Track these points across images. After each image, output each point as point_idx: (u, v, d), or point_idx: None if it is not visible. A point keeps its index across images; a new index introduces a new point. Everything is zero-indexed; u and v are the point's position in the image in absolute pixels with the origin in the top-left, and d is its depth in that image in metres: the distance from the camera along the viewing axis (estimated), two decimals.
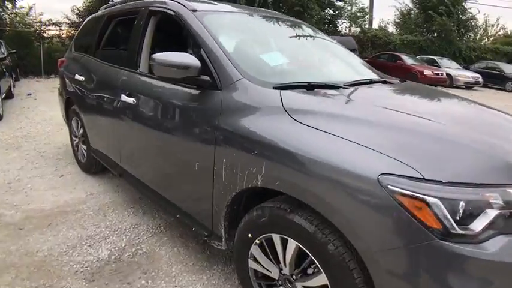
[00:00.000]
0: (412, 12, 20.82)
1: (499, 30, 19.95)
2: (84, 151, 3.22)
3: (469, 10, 18.98)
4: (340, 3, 17.60)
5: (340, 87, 1.70)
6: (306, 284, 1.34)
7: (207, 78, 1.66)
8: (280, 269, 1.42)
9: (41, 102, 6.77)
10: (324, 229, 1.22)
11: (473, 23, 19.37)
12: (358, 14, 18.14)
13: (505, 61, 17.41)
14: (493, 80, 15.27)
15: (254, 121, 1.45)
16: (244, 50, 1.95)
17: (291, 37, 2.39)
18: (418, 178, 1.04)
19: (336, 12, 16.83)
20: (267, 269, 1.48)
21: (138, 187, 2.35)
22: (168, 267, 2.01)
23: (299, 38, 2.41)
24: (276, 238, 1.39)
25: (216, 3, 2.38)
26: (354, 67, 2.33)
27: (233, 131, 1.49)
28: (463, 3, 18.61)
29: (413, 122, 1.35)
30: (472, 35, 20.50)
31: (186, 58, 1.62)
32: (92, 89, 2.76)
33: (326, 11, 17.53)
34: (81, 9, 12.45)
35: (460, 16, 18.88)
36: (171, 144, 1.89)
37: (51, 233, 2.29)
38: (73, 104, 3.29)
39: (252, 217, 1.46)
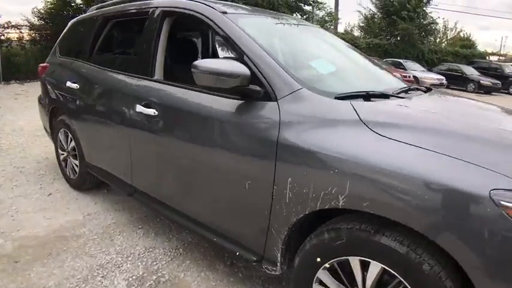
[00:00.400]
0: (376, 16, 21.64)
1: (457, 34, 21.28)
2: (75, 166, 2.89)
3: (429, 15, 20.05)
4: (308, 8, 17.87)
5: (392, 95, 1.60)
6: None
7: (257, 88, 1.49)
8: None
9: (7, 111, 6.15)
10: (416, 249, 1.12)
11: (433, 27, 20.47)
12: (327, 19, 18.50)
13: (464, 63, 18.54)
14: (455, 82, 16.16)
15: (329, 136, 1.29)
16: (291, 57, 1.79)
17: (322, 43, 2.27)
18: None
19: (305, 16, 17.06)
20: None
21: (155, 207, 2.11)
22: None
23: (328, 44, 2.28)
24: (355, 261, 1.25)
25: (234, 4, 2.20)
26: (380, 74, 2.25)
27: (302, 148, 1.32)
28: (424, 8, 19.61)
29: (494, 132, 1.28)
30: (433, 39, 21.66)
31: (235, 66, 1.44)
32: (90, 98, 2.47)
33: (295, 15, 17.73)
34: (43, 12, 11.61)
35: (421, 20, 19.89)
36: (210, 161, 1.67)
37: (55, 265, 1.99)
38: (60, 115, 2.96)
39: (323, 240, 1.31)
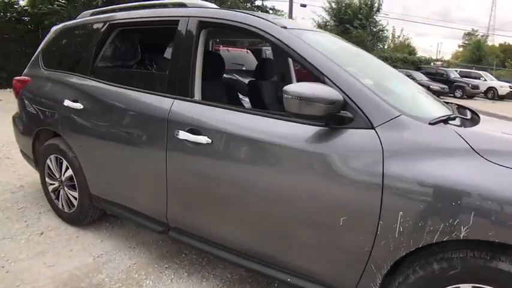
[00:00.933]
0: (328, 24, 22.55)
1: (404, 41, 22.88)
2: (72, 198, 2.47)
3: (379, 22, 21.35)
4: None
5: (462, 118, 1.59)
6: None
7: (349, 114, 1.36)
8: None
9: None
10: None
11: (383, 34, 21.83)
12: None
13: (412, 69, 19.94)
14: None
15: (443, 166, 1.21)
16: (364, 78, 1.64)
17: (367, 59, 2.16)
18: None
19: None
20: None
21: (196, 244, 1.83)
22: None
23: (372, 60, 2.18)
24: None
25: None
26: (427, 93, 2.18)
27: (415, 179, 1.21)
28: (374, 16, 20.84)
29: None
30: (381, 45, 23.07)
31: (329, 91, 1.32)
32: (101, 121, 2.10)
33: None
34: None
35: (373, 28, 21.09)
36: (286, 196, 1.47)
37: None
38: (50, 138, 2.53)
39: (433, 271, 1.25)
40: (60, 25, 2.71)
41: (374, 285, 1.38)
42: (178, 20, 1.90)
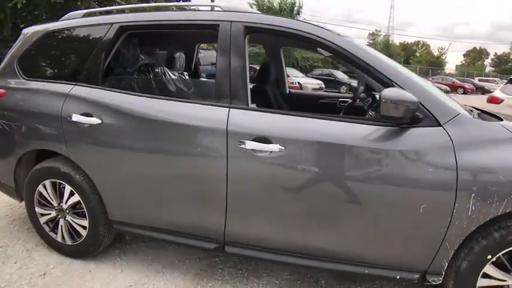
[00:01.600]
0: None
1: None
2: (79, 227, 2.15)
3: None
4: None
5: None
6: None
7: (420, 114, 1.55)
8: None
9: None
10: None
11: None
12: None
13: (331, 68, 21.65)
14: (329, 85, 18.67)
15: (501, 153, 1.51)
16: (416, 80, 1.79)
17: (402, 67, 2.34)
18: None
19: None
20: (501, 279, 1.57)
21: (257, 254, 1.81)
22: None
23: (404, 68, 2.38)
24: None
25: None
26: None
27: (483, 166, 1.49)
28: (295, 19, 22.14)
29: None
30: None
31: (410, 95, 1.48)
32: (132, 135, 1.88)
33: None
34: None
35: None
36: (369, 194, 1.59)
37: None
38: (36, 162, 2.19)
39: (494, 239, 1.52)
40: (39, 27, 2.31)
41: (446, 261, 1.59)
42: (218, 25, 1.82)
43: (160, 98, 1.88)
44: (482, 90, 25.07)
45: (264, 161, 1.64)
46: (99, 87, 2.01)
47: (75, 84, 2.05)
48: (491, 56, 61.34)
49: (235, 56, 1.76)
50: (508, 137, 1.54)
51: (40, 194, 2.20)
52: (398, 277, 1.65)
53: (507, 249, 1.53)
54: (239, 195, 1.74)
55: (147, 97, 1.91)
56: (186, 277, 2.10)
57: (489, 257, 1.54)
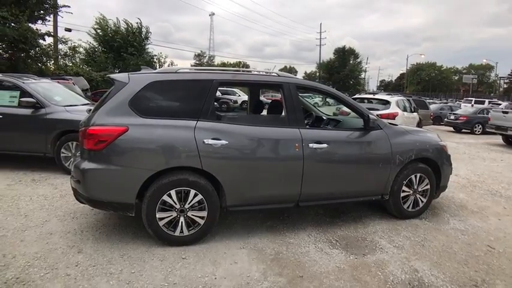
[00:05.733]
0: (97, 50, 22.49)
1: (171, 65, 25.97)
2: (198, 218, 3.07)
3: (148, 51, 23.62)
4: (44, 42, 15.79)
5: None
6: None
7: (374, 125, 3.64)
8: None
9: None
10: None
11: (154, 61, 24.16)
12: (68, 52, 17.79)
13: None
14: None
15: (402, 138, 3.77)
16: None
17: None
18: None
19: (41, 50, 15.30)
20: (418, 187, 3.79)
21: (314, 202, 3.40)
22: None
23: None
24: None
25: None
26: None
27: (398, 144, 3.82)
28: (146, 48, 23.10)
29: None
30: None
31: (381, 120, 3.55)
32: (248, 149, 3.16)
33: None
34: None
35: (145, 56, 23.04)
36: (360, 163, 3.56)
37: None
38: (171, 176, 2.98)
39: (403, 175, 3.81)
40: (147, 77, 3.10)
41: (389, 187, 3.68)
42: (282, 84, 3.37)
43: (258, 126, 3.28)
44: None
45: (320, 151, 3.30)
46: (217, 121, 3.12)
47: (198, 120, 3.04)
48: (302, 74, 77.19)
49: (294, 101, 3.35)
50: (403, 131, 3.75)
51: (163, 201, 2.97)
52: (374, 199, 3.63)
53: (414, 174, 3.73)
54: (309, 173, 3.29)
55: (250, 126, 3.23)
56: (263, 228, 3.38)
57: (405, 180, 3.75)
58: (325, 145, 3.32)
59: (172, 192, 2.98)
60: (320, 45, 51.25)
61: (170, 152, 2.96)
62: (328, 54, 64.55)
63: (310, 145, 3.26)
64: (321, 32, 51.25)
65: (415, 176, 3.83)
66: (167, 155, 2.95)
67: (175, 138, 2.96)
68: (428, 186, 3.93)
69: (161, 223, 3.00)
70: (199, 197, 3.04)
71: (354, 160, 3.53)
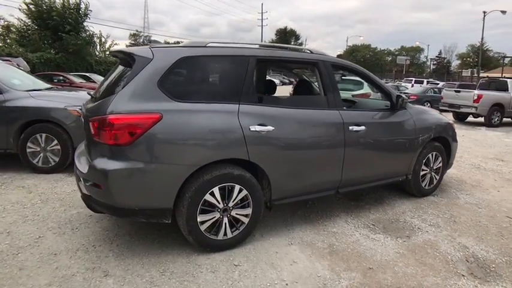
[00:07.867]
0: (31, 28, 19.50)
1: (112, 45, 23.44)
2: (241, 218, 2.69)
3: (86, 28, 20.96)
4: None
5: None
6: None
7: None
8: None
9: None
10: None
11: (93, 40, 21.63)
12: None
13: None
14: None
15: (424, 116, 4.27)
16: None
17: None
18: None
19: None
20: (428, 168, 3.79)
21: (353, 188, 3.31)
22: None
23: None
24: None
25: None
26: None
27: (420, 121, 3.66)
28: (83, 23, 20.36)
29: None
30: (95, 51, 22.76)
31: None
32: (296, 134, 2.84)
33: None
34: None
35: (83, 34, 20.53)
36: (385, 147, 3.60)
37: None
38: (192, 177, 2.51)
39: (423, 152, 3.91)
40: (174, 51, 2.54)
41: (411, 167, 3.67)
42: (317, 62, 3.07)
43: (301, 108, 2.93)
44: None
45: (359, 134, 3.12)
46: (259, 104, 2.71)
47: (239, 103, 2.60)
48: None
49: (333, 80, 3.09)
50: (422, 110, 3.77)
51: (205, 202, 2.52)
52: (400, 179, 3.59)
53: (431, 153, 3.75)
54: (350, 156, 3.10)
55: (295, 108, 2.88)
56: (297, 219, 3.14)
57: (424, 159, 3.75)
58: (363, 127, 3.15)
59: (215, 190, 2.54)
60: (262, 26, 51.10)
61: (216, 143, 2.49)
62: (266, 35, 64.79)
63: (350, 128, 3.07)
64: (262, 13, 51.04)
65: (432, 155, 3.89)
66: (213, 146, 2.49)
67: (219, 126, 2.50)
68: (441, 164, 4.04)
69: (203, 227, 2.56)
70: (244, 192, 2.65)
71: (387, 141, 3.43)
